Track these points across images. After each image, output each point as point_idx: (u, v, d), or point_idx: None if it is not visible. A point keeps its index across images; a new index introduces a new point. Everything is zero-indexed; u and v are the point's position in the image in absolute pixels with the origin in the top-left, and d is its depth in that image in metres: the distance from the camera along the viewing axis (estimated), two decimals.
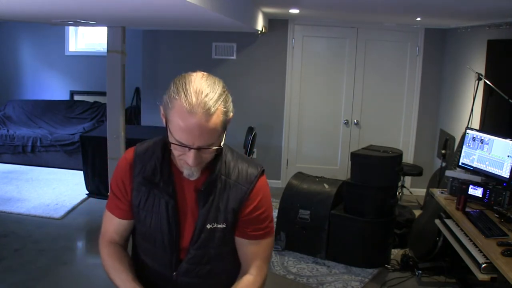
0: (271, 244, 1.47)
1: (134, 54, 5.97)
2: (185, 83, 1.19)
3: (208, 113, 1.16)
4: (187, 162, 1.24)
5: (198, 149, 1.20)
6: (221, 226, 1.35)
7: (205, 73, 1.24)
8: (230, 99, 1.25)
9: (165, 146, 1.33)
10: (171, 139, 1.22)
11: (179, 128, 1.17)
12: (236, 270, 1.46)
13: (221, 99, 1.20)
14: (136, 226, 1.45)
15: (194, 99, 1.15)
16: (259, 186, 1.38)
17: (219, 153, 1.33)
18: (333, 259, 3.94)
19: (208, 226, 1.34)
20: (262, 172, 1.42)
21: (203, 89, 1.17)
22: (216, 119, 1.18)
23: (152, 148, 1.38)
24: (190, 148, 1.20)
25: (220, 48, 5.82)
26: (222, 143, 1.27)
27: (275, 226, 4.23)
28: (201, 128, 1.16)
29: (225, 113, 1.21)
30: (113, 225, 1.45)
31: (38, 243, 4.13)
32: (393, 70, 5.72)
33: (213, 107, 1.17)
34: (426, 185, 5.22)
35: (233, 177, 1.35)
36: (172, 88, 1.20)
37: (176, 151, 1.24)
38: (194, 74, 1.23)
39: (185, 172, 1.30)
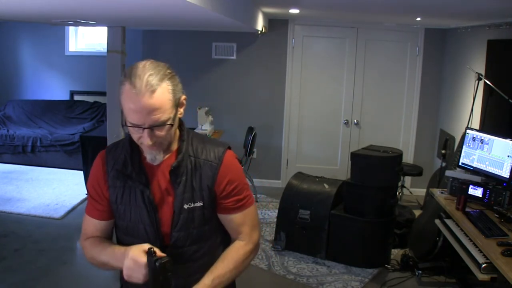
0: (255, 211, 1.52)
1: (134, 54, 5.97)
2: (131, 69, 1.28)
3: (152, 91, 1.23)
4: (144, 144, 1.30)
5: (150, 128, 1.26)
6: (198, 204, 1.39)
7: (150, 60, 1.32)
8: (178, 81, 1.32)
9: (132, 139, 1.37)
10: (127, 124, 1.28)
11: (129, 110, 1.25)
12: (220, 250, 1.49)
13: (165, 79, 1.27)
14: (117, 223, 1.47)
15: (137, 81, 1.23)
16: (227, 160, 1.43)
17: (184, 138, 1.40)
18: (333, 259, 3.94)
19: (186, 206, 1.38)
20: (228, 148, 1.47)
21: (146, 71, 1.25)
22: (161, 96, 1.24)
23: (121, 143, 1.45)
24: (143, 129, 1.26)
25: (220, 48, 5.82)
26: (174, 120, 1.31)
27: (275, 226, 4.24)
28: (147, 106, 1.23)
29: (172, 91, 1.28)
30: (94, 226, 1.48)
31: (38, 243, 4.13)
32: (393, 70, 5.72)
33: (156, 85, 1.24)
34: (426, 185, 5.22)
35: (202, 157, 1.41)
36: (121, 76, 1.29)
37: (134, 135, 1.31)
38: (140, 62, 1.31)
39: (148, 157, 1.35)
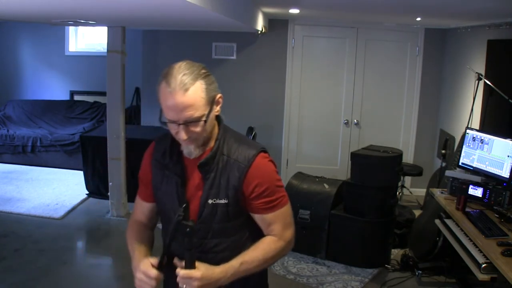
0: (288, 211, 1.54)
1: (134, 54, 5.97)
2: (167, 70, 1.36)
3: (185, 89, 1.31)
4: (180, 139, 1.38)
5: (185, 123, 1.34)
6: (222, 201, 1.45)
7: (186, 60, 1.40)
8: (212, 80, 1.40)
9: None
10: (165, 120, 1.37)
11: (166, 107, 1.34)
12: (246, 247, 1.51)
13: (199, 78, 1.34)
14: (158, 208, 1.61)
15: (172, 80, 1.32)
16: (257, 164, 1.46)
17: (219, 136, 1.47)
18: (333, 259, 3.94)
19: (210, 201, 1.45)
20: (261, 151, 1.49)
21: (180, 71, 1.34)
22: (194, 94, 1.32)
23: (168, 135, 1.52)
24: (178, 124, 1.35)
25: (220, 48, 5.82)
26: (207, 117, 1.37)
27: None
28: (181, 104, 1.31)
29: (206, 90, 1.35)
30: (140, 207, 1.64)
31: (38, 243, 4.13)
32: (393, 70, 5.72)
33: (189, 84, 1.32)
34: (426, 185, 5.22)
35: (233, 156, 1.46)
36: (159, 77, 1.37)
37: (172, 130, 1.39)
38: (177, 63, 1.39)
39: (185, 151, 1.44)
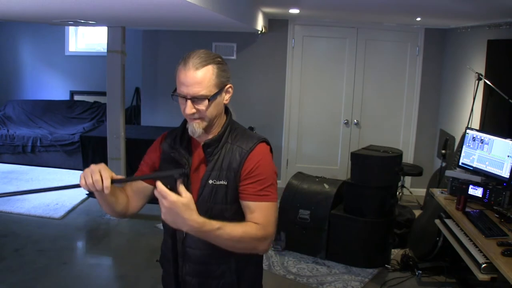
0: (274, 209, 1.55)
1: (134, 54, 5.97)
2: (187, 54, 1.49)
3: (197, 67, 1.45)
4: (185, 113, 1.49)
5: (192, 99, 1.46)
6: (222, 182, 1.52)
7: (205, 50, 1.52)
8: (226, 69, 1.52)
9: (186, 123, 1.58)
10: (177, 95, 1.50)
11: (179, 83, 1.47)
12: None
13: (212, 63, 1.48)
14: None
15: (188, 61, 1.47)
16: (258, 150, 1.55)
17: (226, 125, 1.57)
18: (333, 259, 3.94)
19: (210, 181, 1.53)
20: (263, 141, 1.59)
21: (197, 55, 1.48)
22: (204, 74, 1.46)
23: (179, 127, 1.65)
24: (186, 99, 1.46)
25: (220, 48, 5.82)
26: (213, 98, 1.48)
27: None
28: (191, 79, 1.45)
29: (216, 74, 1.48)
30: (133, 183, 1.66)
31: (38, 243, 4.13)
32: (393, 70, 5.72)
33: (201, 64, 1.46)
34: (426, 185, 5.23)
35: (237, 143, 1.56)
36: (179, 61, 1.50)
37: (181, 106, 1.50)
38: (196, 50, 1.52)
39: (189, 129, 1.53)
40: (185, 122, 1.61)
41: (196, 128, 1.51)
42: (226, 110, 1.62)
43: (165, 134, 1.69)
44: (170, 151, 1.60)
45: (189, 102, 1.47)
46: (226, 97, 1.55)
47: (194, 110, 1.48)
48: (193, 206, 1.34)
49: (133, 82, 6.58)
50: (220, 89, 1.51)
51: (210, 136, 1.56)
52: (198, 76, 1.45)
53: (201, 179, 1.54)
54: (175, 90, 1.50)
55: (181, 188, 1.33)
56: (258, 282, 1.71)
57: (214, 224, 1.38)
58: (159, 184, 1.31)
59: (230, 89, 1.55)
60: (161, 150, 1.65)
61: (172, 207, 1.31)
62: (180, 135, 1.62)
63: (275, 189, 1.55)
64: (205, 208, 1.50)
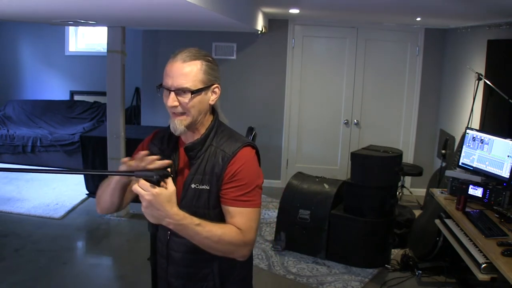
0: (256, 216, 1.52)
1: (134, 54, 5.97)
2: (178, 50, 1.50)
3: (184, 60, 1.46)
4: (167, 105, 1.47)
5: (176, 91, 1.45)
6: (205, 187, 1.50)
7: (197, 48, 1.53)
8: (215, 69, 1.53)
9: None
10: (161, 88, 1.49)
11: (165, 75, 1.47)
12: None
13: (200, 60, 1.48)
14: None
15: (178, 54, 1.48)
16: (241, 154, 1.51)
17: (212, 127, 1.54)
18: (333, 259, 3.94)
19: (193, 185, 1.51)
20: (248, 145, 1.55)
21: (188, 50, 1.49)
22: (190, 67, 1.46)
23: (168, 127, 1.59)
24: (170, 91, 1.45)
25: (220, 48, 5.82)
26: (196, 94, 1.46)
27: (275, 226, 4.24)
28: (176, 71, 1.45)
29: (203, 71, 1.48)
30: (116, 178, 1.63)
31: (38, 243, 4.13)
32: (393, 70, 5.72)
33: (190, 58, 1.46)
34: (426, 185, 5.22)
35: (221, 147, 1.53)
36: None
37: (164, 99, 1.48)
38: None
39: (171, 125, 1.50)
40: None
41: (177, 125, 1.48)
42: (214, 112, 1.58)
43: (155, 133, 1.68)
44: (157, 153, 1.55)
45: (172, 94, 1.45)
46: (212, 97, 1.52)
47: (176, 103, 1.46)
48: (174, 199, 1.34)
49: (133, 82, 6.58)
50: (206, 86, 1.49)
51: (194, 137, 1.54)
52: (184, 69, 1.45)
53: (183, 182, 1.52)
54: (161, 84, 1.49)
55: (168, 181, 1.33)
56: (246, 284, 1.69)
57: (195, 219, 1.38)
58: (141, 180, 1.31)
59: (217, 90, 1.53)
60: (148, 150, 1.59)
61: (153, 200, 1.30)
62: (168, 135, 1.59)
63: (258, 194, 1.52)
64: (189, 212, 1.45)
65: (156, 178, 1.32)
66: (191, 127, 1.51)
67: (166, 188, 1.33)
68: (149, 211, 1.33)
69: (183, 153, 1.55)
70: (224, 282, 1.59)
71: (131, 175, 1.37)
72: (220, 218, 1.51)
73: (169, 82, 1.45)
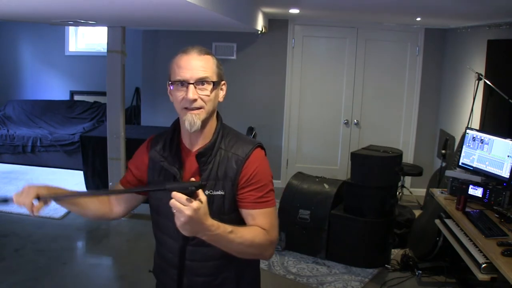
0: (275, 213, 1.54)
1: (134, 54, 5.97)
2: (186, 47, 1.47)
3: (199, 53, 1.43)
4: (188, 99, 1.40)
5: (196, 82, 1.40)
6: (219, 193, 1.46)
7: None
8: (222, 67, 1.50)
9: (175, 127, 1.53)
10: (172, 84, 1.44)
11: (178, 69, 1.41)
12: None
13: (211, 54, 1.47)
14: (151, 202, 1.58)
15: (189, 49, 1.45)
16: (254, 157, 1.50)
17: (218, 130, 1.50)
18: (333, 259, 3.94)
19: (206, 192, 1.42)
20: (258, 146, 1.54)
21: (197, 46, 1.46)
22: (207, 59, 1.44)
23: (166, 131, 1.57)
24: (188, 84, 1.40)
25: (220, 48, 5.82)
26: (215, 87, 1.44)
27: None
28: (195, 61, 1.41)
29: (217, 65, 1.46)
30: (116, 187, 1.64)
31: (38, 243, 4.13)
32: (393, 70, 5.72)
33: (203, 51, 1.44)
34: (426, 185, 5.22)
35: (232, 150, 1.49)
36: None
37: (178, 94, 1.42)
38: None
39: (186, 123, 1.43)
40: (174, 126, 1.54)
41: (195, 119, 1.41)
42: (217, 114, 1.55)
43: (152, 139, 1.60)
44: (159, 160, 1.51)
45: (191, 86, 1.40)
46: (221, 94, 1.51)
47: (197, 96, 1.40)
48: (207, 209, 1.28)
49: (133, 82, 6.58)
50: (219, 80, 1.48)
51: (199, 140, 1.49)
52: (202, 59, 1.43)
53: None
54: (169, 82, 1.45)
55: (201, 193, 1.26)
56: (257, 284, 1.70)
57: (227, 227, 1.34)
58: (176, 194, 1.22)
59: (224, 87, 1.52)
60: (148, 158, 1.56)
61: (194, 215, 1.22)
62: (169, 141, 1.53)
63: (273, 194, 1.53)
64: None
65: (191, 190, 1.23)
66: (203, 124, 1.45)
67: (201, 200, 1.25)
68: (189, 227, 1.25)
69: (190, 159, 1.49)
70: (240, 284, 1.58)
71: (164, 189, 1.27)
72: (234, 222, 1.46)
73: (187, 74, 1.40)
